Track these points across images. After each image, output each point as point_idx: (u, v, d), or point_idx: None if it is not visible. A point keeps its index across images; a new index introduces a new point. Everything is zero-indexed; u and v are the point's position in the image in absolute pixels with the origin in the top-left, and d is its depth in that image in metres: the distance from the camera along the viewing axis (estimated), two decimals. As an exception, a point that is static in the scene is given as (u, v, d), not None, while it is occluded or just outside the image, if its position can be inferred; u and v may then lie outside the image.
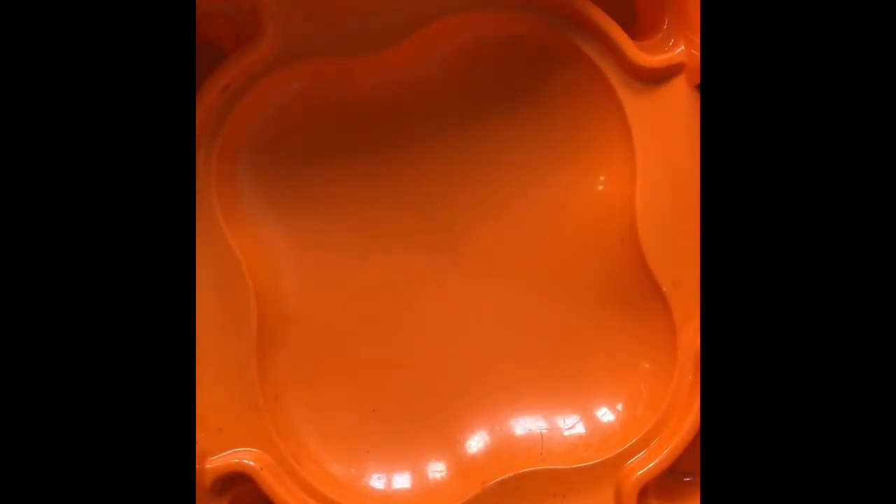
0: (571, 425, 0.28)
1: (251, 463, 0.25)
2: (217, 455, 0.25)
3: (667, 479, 0.26)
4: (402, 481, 0.27)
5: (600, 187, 0.27)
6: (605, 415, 0.28)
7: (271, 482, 0.25)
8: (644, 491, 0.26)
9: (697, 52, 0.25)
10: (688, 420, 0.26)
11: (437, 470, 0.27)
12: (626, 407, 0.27)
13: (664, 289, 0.26)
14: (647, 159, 0.26)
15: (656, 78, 0.26)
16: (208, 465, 0.25)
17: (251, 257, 0.25)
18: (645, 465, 0.26)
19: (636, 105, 0.26)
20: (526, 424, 0.28)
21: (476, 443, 0.27)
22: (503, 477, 0.26)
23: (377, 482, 0.27)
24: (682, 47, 0.25)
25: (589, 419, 0.28)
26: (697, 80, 0.26)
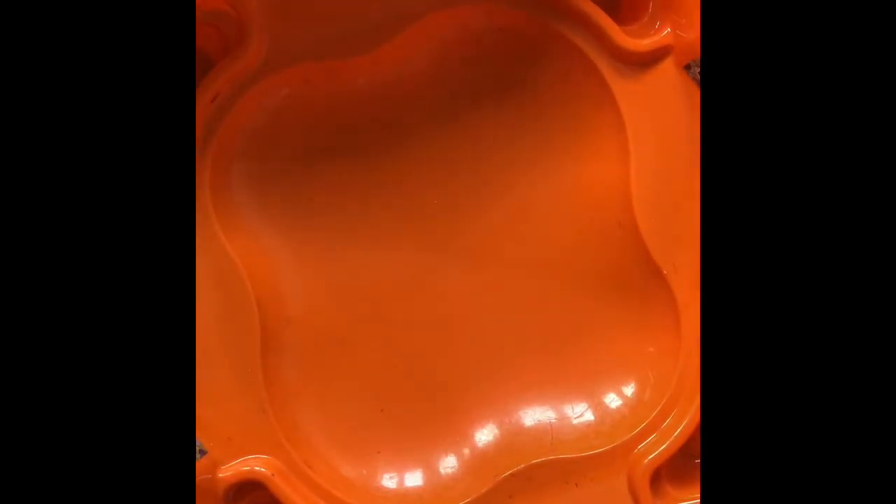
0: (580, 413, 0.28)
1: (262, 470, 0.25)
2: (228, 464, 0.25)
3: (678, 461, 0.26)
4: (413, 479, 0.27)
5: (595, 173, 0.27)
6: (614, 401, 0.28)
7: (283, 487, 0.25)
8: (656, 474, 0.26)
9: (684, 34, 0.25)
10: (696, 402, 0.26)
11: (448, 466, 0.27)
12: (634, 392, 0.27)
13: (665, 271, 0.26)
14: (639, 142, 0.26)
15: (644, 61, 0.25)
16: (220, 475, 0.25)
17: (250, 264, 0.26)
18: (656, 449, 0.26)
19: (626, 89, 0.26)
20: (535, 415, 0.28)
21: (486, 436, 0.27)
22: (515, 469, 0.26)
23: (389, 482, 0.27)
24: (669, 29, 0.25)
25: (597, 406, 0.28)
26: (685, 61, 0.26)
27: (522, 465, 0.26)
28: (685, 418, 0.26)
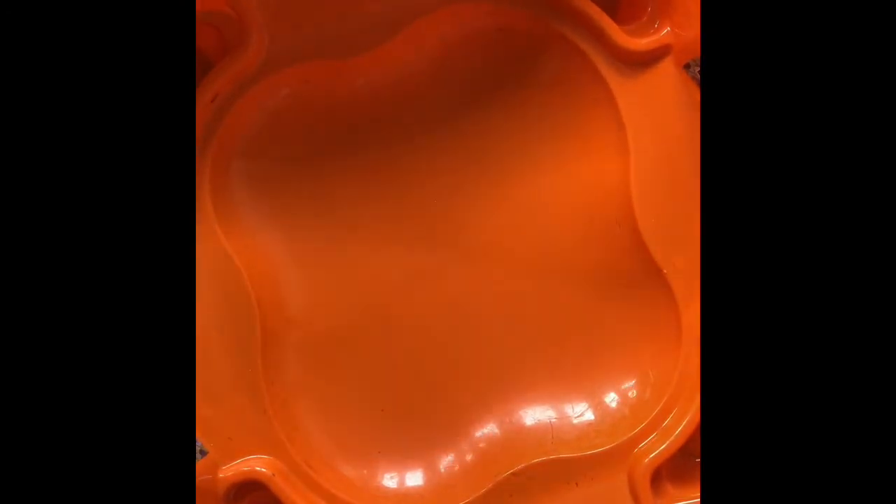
0: (580, 413, 0.28)
1: (263, 470, 0.25)
2: (229, 464, 0.25)
3: (678, 460, 0.26)
4: (414, 479, 0.27)
5: (595, 173, 0.27)
6: (614, 400, 0.28)
7: (284, 487, 0.25)
8: (657, 474, 0.26)
9: (683, 33, 0.25)
10: (696, 401, 0.26)
11: (448, 466, 0.27)
12: (635, 391, 0.27)
13: (665, 271, 0.26)
14: (639, 141, 0.26)
15: (644, 60, 0.25)
16: (221, 475, 0.25)
17: (251, 265, 0.26)
18: (656, 448, 0.26)
19: (625, 88, 0.26)
20: (535, 415, 0.28)
21: (486, 436, 0.27)
22: (515, 468, 0.26)
23: (390, 482, 0.27)
24: (668, 28, 0.25)
25: (598, 405, 0.28)
26: (685, 60, 0.26)
27: (523, 465, 0.26)
28: (685, 418, 0.26)
